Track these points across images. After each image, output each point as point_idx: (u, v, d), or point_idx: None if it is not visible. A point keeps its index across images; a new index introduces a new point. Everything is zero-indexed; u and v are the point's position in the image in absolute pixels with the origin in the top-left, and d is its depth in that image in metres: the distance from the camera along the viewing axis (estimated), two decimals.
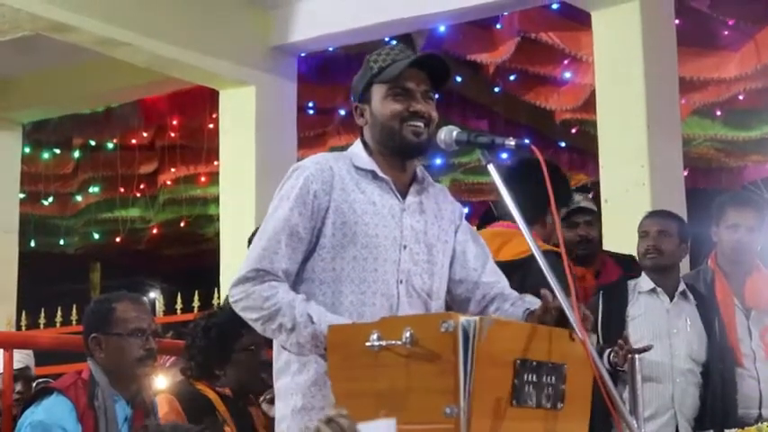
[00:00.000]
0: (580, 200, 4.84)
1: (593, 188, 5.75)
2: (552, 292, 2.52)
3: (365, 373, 2.32)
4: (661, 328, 4.33)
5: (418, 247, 2.79)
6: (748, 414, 4.31)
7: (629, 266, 4.74)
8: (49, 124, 9.60)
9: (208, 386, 3.89)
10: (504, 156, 9.62)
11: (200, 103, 9.02)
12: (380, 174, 2.79)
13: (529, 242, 2.58)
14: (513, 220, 3.60)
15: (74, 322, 8.52)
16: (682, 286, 4.44)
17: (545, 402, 2.39)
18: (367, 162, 2.81)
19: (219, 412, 3.82)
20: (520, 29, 7.76)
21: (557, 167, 4.05)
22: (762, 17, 7.64)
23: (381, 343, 2.29)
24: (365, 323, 2.46)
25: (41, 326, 8.97)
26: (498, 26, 7.91)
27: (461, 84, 8.78)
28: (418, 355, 2.24)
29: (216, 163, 8.19)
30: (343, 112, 9.14)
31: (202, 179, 10.85)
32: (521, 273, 3.35)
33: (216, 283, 7.25)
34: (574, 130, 9.87)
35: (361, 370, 2.33)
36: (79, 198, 11.65)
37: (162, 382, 4.63)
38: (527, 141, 2.70)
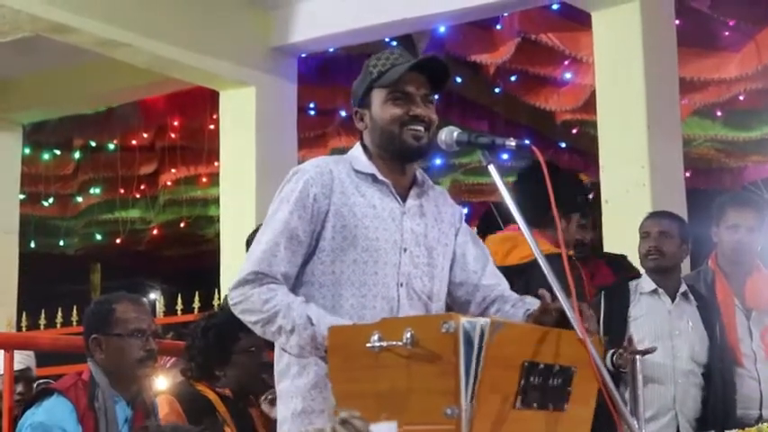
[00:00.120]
0: None
1: (594, 189, 5.75)
2: (552, 293, 2.52)
3: (366, 374, 2.32)
4: (663, 329, 4.33)
5: (418, 249, 2.79)
6: (748, 414, 4.31)
7: (618, 266, 4.73)
8: (49, 125, 9.61)
9: (208, 387, 3.89)
10: (505, 156, 9.71)
11: (201, 103, 9.02)
12: (380, 177, 2.80)
13: (530, 243, 2.58)
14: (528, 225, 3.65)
15: (74, 323, 8.52)
16: (683, 287, 4.44)
17: (549, 404, 2.39)
18: (367, 165, 2.81)
19: (220, 413, 3.83)
20: (520, 29, 7.76)
21: (573, 173, 4.06)
22: (762, 18, 7.64)
23: (382, 344, 2.29)
24: (366, 324, 2.46)
25: (42, 327, 8.97)
26: (498, 27, 7.91)
27: (461, 84, 8.79)
28: (419, 355, 2.24)
29: (216, 164, 8.19)
30: (343, 114, 9.14)
31: (203, 180, 10.85)
32: (526, 276, 3.36)
33: (216, 284, 7.26)
34: (574, 131, 9.87)
35: (361, 371, 2.33)
36: (79, 199, 11.65)
37: (162, 383, 4.63)
38: (527, 142, 2.70)
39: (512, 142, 2.67)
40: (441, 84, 2.82)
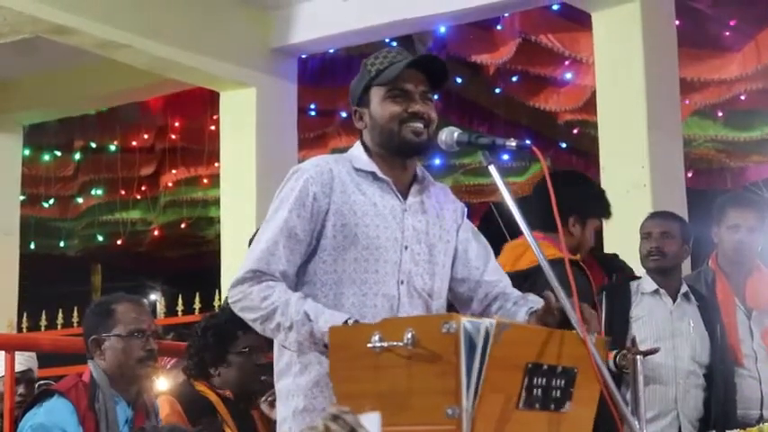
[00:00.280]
0: None
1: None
2: (555, 294, 2.52)
3: (367, 375, 2.32)
4: (664, 329, 4.33)
5: (419, 247, 2.79)
6: (749, 415, 4.31)
7: (610, 265, 4.73)
8: (49, 126, 9.61)
9: (209, 388, 3.90)
10: (506, 157, 9.69)
11: (201, 104, 9.02)
12: (381, 175, 2.80)
13: (532, 245, 2.58)
14: (541, 230, 3.69)
15: (75, 324, 8.52)
16: (684, 288, 4.44)
17: (551, 405, 2.39)
18: (367, 163, 2.81)
19: (220, 414, 3.83)
20: (520, 30, 7.76)
21: (591, 179, 4.07)
22: (762, 18, 7.64)
23: (383, 344, 2.28)
24: (366, 324, 2.46)
25: (42, 328, 8.97)
26: (499, 27, 7.92)
27: (462, 85, 8.79)
28: (420, 356, 2.24)
29: (217, 165, 8.19)
30: (343, 114, 9.14)
31: (204, 181, 10.85)
32: (531, 280, 3.36)
33: (217, 284, 7.26)
34: (575, 131, 9.88)
35: (362, 371, 2.32)
36: (80, 200, 11.65)
37: (163, 383, 4.63)
38: (528, 142, 2.70)
39: (512, 143, 2.67)
40: (439, 82, 2.83)
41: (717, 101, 8.77)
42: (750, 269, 4.56)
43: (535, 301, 2.75)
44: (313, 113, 9.30)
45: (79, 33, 6.15)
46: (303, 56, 7.47)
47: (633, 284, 4.44)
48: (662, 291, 4.40)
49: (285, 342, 2.67)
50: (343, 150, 2.98)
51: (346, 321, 2.53)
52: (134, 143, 10.47)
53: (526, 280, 3.37)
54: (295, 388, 2.72)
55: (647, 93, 5.95)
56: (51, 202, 11.52)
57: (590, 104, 8.15)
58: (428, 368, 2.23)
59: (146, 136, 10.30)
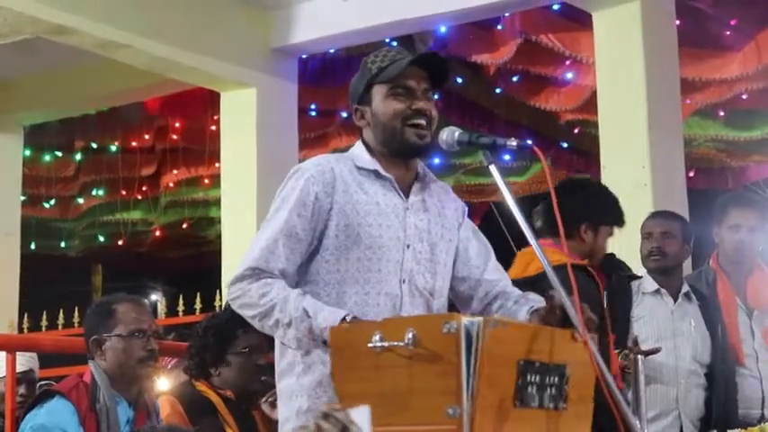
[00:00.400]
0: None
1: None
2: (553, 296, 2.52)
3: (368, 375, 2.32)
4: (666, 329, 4.33)
5: (421, 246, 2.79)
6: (750, 414, 4.31)
7: (607, 264, 4.73)
8: (50, 127, 9.61)
9: (210, 388, 3.90)
10: (507, 157, 9.68)
11: (201, 105, 9.02)
12: (383, 173, 2.80)
13: (532, 243, 2.58)
14: (551, 236, 3.71)
15: (76, 325, 8.52)
16: (685, 287, 4.44)
17: (548, 403, 2.39)
18: (369, 162, 2.81)
19: (221, 414, 3.83)
20: (521, 30, 7.76)
21: (604, 186, 4.08)
22: (763, 18, 7.64)
23: (384, 344, 2.29)
24: (367, 324, 2.45)
25: (43, 328, 8.97)
26: (499, 27, 7.92)
27: (462, 85, 8.79)
28: (421, 355, 2.24)
29: (217, 165, 8.19)
30: (344, 114, 9.14)
31: (205, 181, 10.86)
32: (538, 286, 3.37)
33: (218, 285, 7.26)
34: (575, 131, 9.88)
35: (363, 371, 2.33)
36: (81, 200, 11.66)
37: (164, 383, 4.63)
38: (529, 142, 2.70)
39: (513, 142, 2.67)
40: (440, 80, 2.83)
41: (718, 100, 8.77)
42: (751, 269, 4.56)
43: (536, 300, 2.75)
44: (314, 114, 9.30)
45: (79, 33, 6.15)
46: (303, 56, 7.47)
47: (634, 284, 4.44)
48: (663, 290, 4.40)
49: (284, 339, 2.67)
50: (344, 150, 2.98)
51: (344, 318, 2.53)
52: (135, 143, 10.47)
53: (533, 286, 3.38)
54: (298, 388, 2.72)
55: (648, 92, 5.95)
56: (52, 202, 11.52)
57: (590, 104, 8.15)
58: (429, 368, 2.23)
59: (146, 136, 10.30)
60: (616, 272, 4.56)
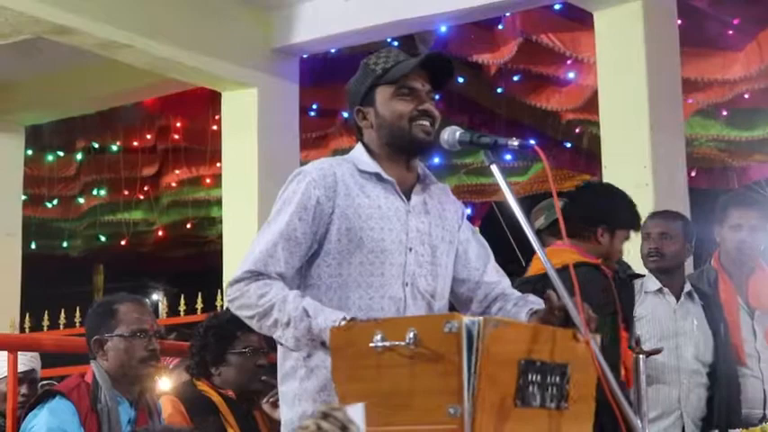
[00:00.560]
0: (562, 206, 4.82)
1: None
2: (558, 294, 2.52)
3: (369, 374, 2.31)
4: (667, 328, 4.32)
5: (423, 248, 2.79)
6: (752, 414, 4.31)
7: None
8: (51, 127, 9.61)
9: (211, 388, 3.90)
10: (509, 157, 9.68)
11: (203, 105, 9.02)
12: (385, 176, 2.80)
13: (533, 242, 2.58)
14: (568, 237, 3.75)
15: (77, 324, 8.52)
16: (688, 286, 4.43)
17: (549, 403, 2.39)
18: (370, 164, 2.81)
19: (222, 414, 3.83)
20: (522, 29, 7.76)
21: (621, 191, 4.10)
22: (764, 18, 7.63)
23: (385, 344, 2.28)
24: (368, 324, 2.45)
25: (45, 328, 8.97)
26: (500, 27, 7.92)
27: (463, 85, 8.79)
28: (422, 355, 2.24)
29: (219, 165, 8.19)
30: (345, 114, 9.14)
31: (206, 181, 10.86)
32: (541, 285, 3.38)
33: (219, 284, 7.25)
34: (577, 131, 9.88)
35: (364, 371, 2.32)
36: (82, 200, 11.66)
37: (165, 383, 4.63)
38: (532, 142, 2.70)
39: (514, 142, 2.66)
40: (443, 81, 2.83)
41: (719, 100, 8.78)
42: (752, 268, 4.56)
43: (535, 302, 2.75)
44: (315, 114, 9.30)
45: (80, 34, 6.14)
46: (305, 56, 7.47)
47: (636, 283, 4.44)
48: (665, 289, 4.40)
49: (282, 339, 2.66)
50: (345, 151, 2.98)
51: (344, 318, 2.53)
52: (136, 143, 10.47)
53: (537, 284, 3.39)
54: (302, 392, 2.72)
55: (650, 92, 5.95)
56: (54, 202, 11.52)
57: (591, 104, 8.15)
58: (430, 368, 2.23)
59: (148, 136, 10.30)
60: (619, 271, 4.56)
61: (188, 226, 12.20)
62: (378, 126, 2.81)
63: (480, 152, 2.73)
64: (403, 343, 2.26)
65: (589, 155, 9.88)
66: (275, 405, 3.84)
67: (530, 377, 2.32)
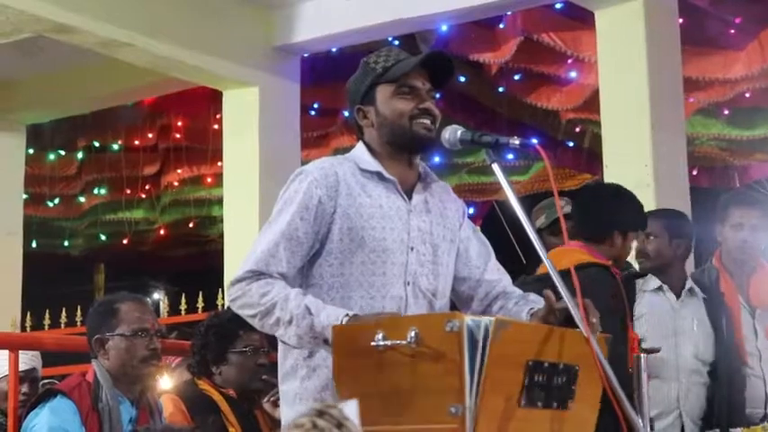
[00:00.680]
0: (563, 206, 4.83)
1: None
2: (556, 294, 2.52)
3: (370, 373, 2.31)
4: (666, 327, 4.32)
5: (424, 248, 2.79)
6: (754, 413, 4.31)
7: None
8: (52, 126, 9.61)
9: (212, 387, 3.90)
10: (510, 156, 9.67)
11: (204, 104, 9.02)
12: (386, 174, 2.79)
13: (534, 242, 2.58)
14: (581, 238, 3.75)
15: (78, 323, 8.52)
16: (689, 283, 4.42)
17: (553, 403, 2.38)
18: (372, 163, 2.81)
19: (223, 412, 3.83)
20: (523, 28, 7.75)
21: (631, 193, 4.10)
22: (765, 17, 7.63)
23: (386, 343, 2.28)
24: (369, 322, 2.45)
25: (46, 327, 8.98)
26: (501, 26, 7.91)
27: (465, 84, 8.78)
28: (423, 354, 2.24)
29: (220, 164, 8.19)
30: (346, 113, 9.13)
31: (208, 180, 10.86)
32: (553, 283, 3.38)
33: (220, 283, 7.26)
34: (577, 130, 9.87)
35: (365, 370, 2.32)
36: (83, 199, 11.66)
37: (167, 382, 4.64)
38: (534, 141, 2.70)
39: (516, 141, 2.66)
40: (443, 80, 2.83)
41: (721, 99, 8.77)
42: (754, 267, 4.55)
43: (536, 301, 2.75)
44: (316, 113, 9.29)
45: (81, 32, 6.14)
46: (306, 54, 7.46)
47: (639, 282, 4.43)
48: (665, 287, 4.39)
49: (285, 337, 2.66)
50: (346, 150, 2.98)
51: (347, 315, 2.53)
52: (137, 142, 10.47)
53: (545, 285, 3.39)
54: (303, 392, 2.72)
55: (651, 91, 5.95)
56: (55, 201, 11.52)
57: (591, 103, 8.15)
58: (431, 366, 2.23)
59: (149, 135, 10.30)
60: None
61: (189, 225, 12.20)
62: (378, 125, 2.81)
63: (481, 151, 2.73)
64: (404, 342, 2.26)
65: (590, 154, 9.87)
66: (276, 404, 3.85)
67: (536, 378, 2.32)
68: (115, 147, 10.64)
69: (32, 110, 8.40)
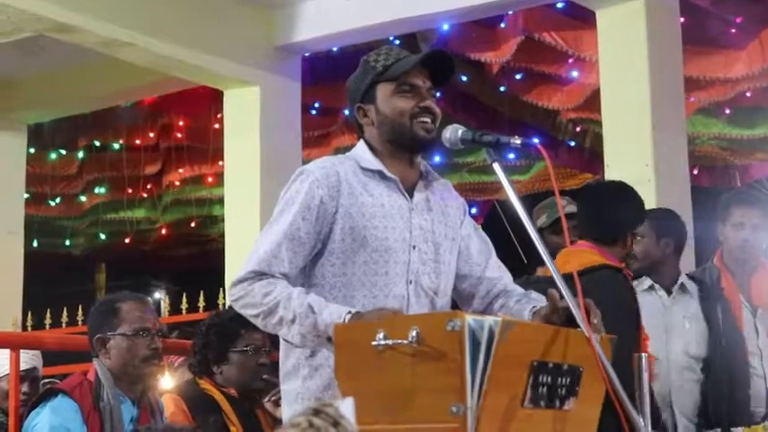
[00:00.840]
0: (564, 205, 4.82)
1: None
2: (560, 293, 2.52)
3: (371, 373, 2.31)
4: (658, 325, 4.31)
5: (426, 246, 2.79)
6: (755, 412, 4.31)
7: None
8: (53, 125, 9.61)
9: (214, 386, 3.90)
10: (512, 156, 9.66)
11: (205, 103, 9.02)
12: (388, 173, 2.79)
13: (535, 242, 2.58)
14: (592, 239, 3.74)
15: (79, 323, 8.52)
16: (681, 279, 4.42)
17: (556, 403, 2.38)
18: (373, 162, 2.81)
19: (225, 412, 3.83)
20: (524, 28, 7.75)
21: (634, 191, 4.09)
22: (766, 17, 7.62)
23: (387, 342, 2.28)
24: (371, 322, 2.45)
25: (47, 326, 8.98)
26: (503, 25, 7.91)
27: (466, 83, 8.78)
28: (424, 354, 2.24)
29: (221, 163, 8.19)
30: (347, 113, 9.13)
31: (209, 180, 10.86)
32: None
33: (221, 283, 7.26)
34: (578, 129, 9.87)
35: (367, 369, 2.32)
36: (84, 199, 11.66)
37: (168, 382, 4.64)
38: (536, 141, 2.70)
39: (517, 140, 2.66)
40: (443, 79, 2.83)
41: (721, 98, 8.77)
42: (755, 267, 4.55)
43: (537, 300, 2.75)
44: (317, 112, 9.29)
45: (82, 32, 6.14)
46: (307, 54, 7.46)
47: (634, 283, 4.43)
48: (656, 286, 4.40)
49: (288, 336, 2.66)
50: (347, 149, 2.97)
51: (350, 312, 2.53)
52: (138, 142, 10.47)
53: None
54: (304, 391, 2.72)
55: (652, 90, 5.95)
56: (56, 200, 11.52)
57: (591, 102, 8.15)
58: (433, 366, 2.23)
59: (150, 134, 10.30)
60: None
61: (191, 224, 12.21)
62: (379, 123, 2.81)
63: (482, 150, 2.73)
64: (405, 341, 2.26)
65: (591, 153, 9.87)
66: (277, 403, 3.85)
67: (540, 378, 2.32)
68: (116, 146, 10.64)
69: (33, 109, 8.40)
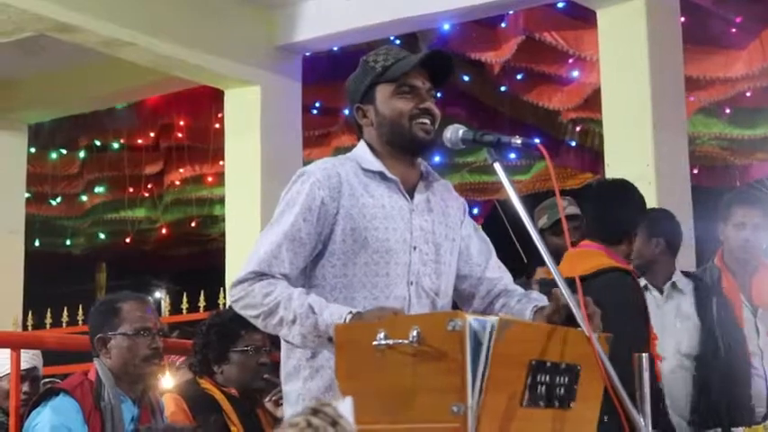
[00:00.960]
0: (565, 206, 4.82)
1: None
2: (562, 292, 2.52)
3: (372, 373, 2.31)
4: (652, 324, 4.30)
5: (427, 247, 2.79)
6: (756, 412, 4.30)
7: None
8: (54, 124, 9.61)
9: (214, 386, 3.91)
10: (512, 156, 9.66)
11: (206, 103, 9.02)
12: (388, 174, 2.79)
13: (536, 242, 2.58)
14: (599, 239, 3.74)
15: (80, 322, 8.52)
16: (675, 277, 4.42)
17: (555, 403, 2.38)
18: (374, 163, 2.81)
19: (225, 412, 3.84)
20: (525, 28, 7.75)
21: (635, 188, 4.09)
22: (767, 16, 7.62)
23: (388, 342, 2.28)
24: (372, 322, 2.45)
25: (47, 326, 8.98)
26: (503, 25, 7.91)
27: (467, 83, 8.78)
28: (425, 353, 2.24)
29: (221, 163, 8.19)
30: (347, 112, 9.13)
31: (209, 179, 10.85)
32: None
33: (221, 282, 7.27)
34: (579, 129, 9.87)
35: (367, 369, 2.32)
36: (85, 198, 11.66)
37: (169, 381, 4.64)
38: (537, 141, 2.70)
39: (517, 140, 2.66)
40: (443, 79, 2.83)
41: (722, 98, 8.77)
42: (756, 267, 4.55)
43: (539, 299, 2.75)
44: (317, 112, 9.29)
45: (83, 31, 6.14)
46: (307, 54, 7.47)
47: None
48: (649, 286, 4.40)
49: (289, 336, 2.66)
50: (348, 149, 2.97)
51: (350, 312, 2.53)
52: (139, 141, 10.47)
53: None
54: (306, 393, 2.72)
55: (652, 90, 5.95)
56: (57, 200, 11.52)
57: (591, 102, 8.14)
58: (433, 366, 2.23)
59: (151, 134, 10.30)
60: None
61: (191, 224, 12.21)
62: (378, 124, 2.81)
63: (483, 150, 2.72)
64: (406, 341, 2.26)
65: (592, 153, 9.87)
66: (278, 403, 3.85)
67: (539, 378, 2.32)
68: (117, 146, 10.64)
69: (34, 109, 8.40)
